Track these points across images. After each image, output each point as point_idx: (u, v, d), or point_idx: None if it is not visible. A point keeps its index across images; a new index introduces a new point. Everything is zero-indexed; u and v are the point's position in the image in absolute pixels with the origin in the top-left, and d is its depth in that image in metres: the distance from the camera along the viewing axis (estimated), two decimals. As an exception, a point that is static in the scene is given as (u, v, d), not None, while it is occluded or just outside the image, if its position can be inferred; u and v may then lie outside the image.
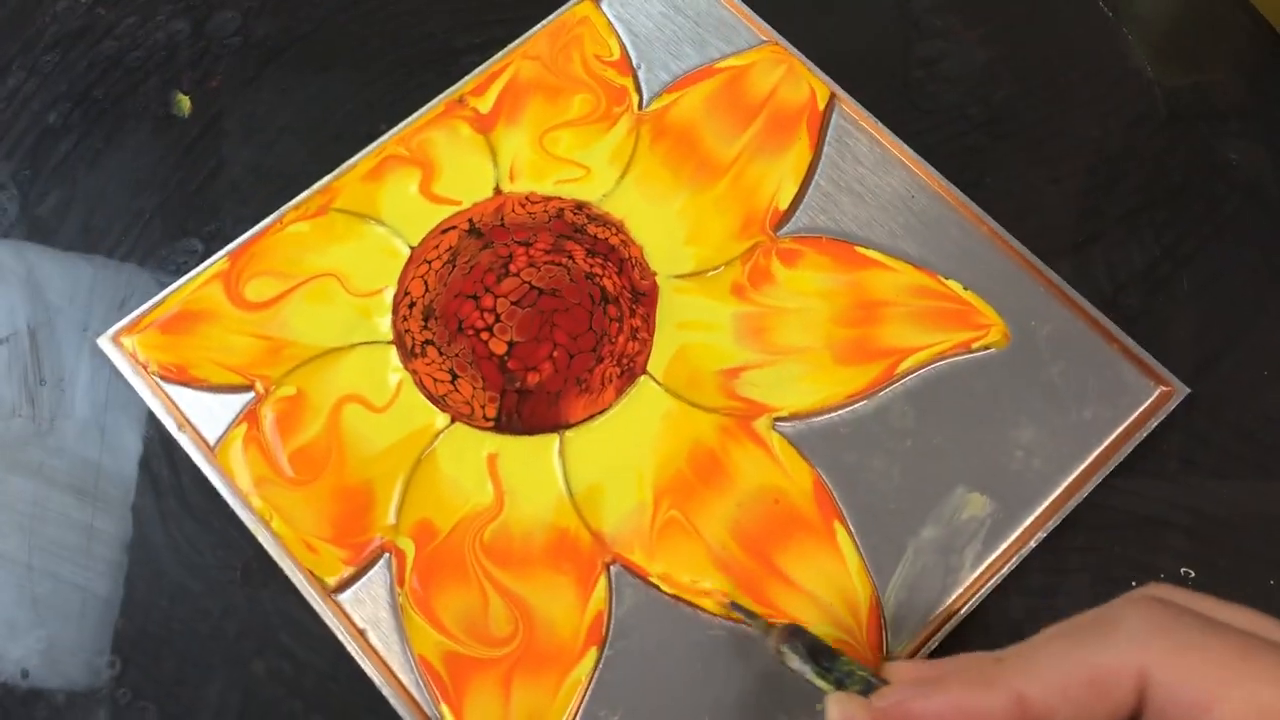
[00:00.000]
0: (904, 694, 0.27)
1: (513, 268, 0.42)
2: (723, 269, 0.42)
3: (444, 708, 0.36)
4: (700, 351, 0.41)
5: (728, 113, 0.44)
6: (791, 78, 0.45)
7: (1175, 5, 0.48)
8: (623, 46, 0.46)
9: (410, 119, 0.44)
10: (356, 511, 0.38)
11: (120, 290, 0.42)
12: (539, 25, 0.46)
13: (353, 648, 0.37)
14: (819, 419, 0.40)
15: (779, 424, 0.39)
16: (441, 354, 0.41)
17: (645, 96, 0.45)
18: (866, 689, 0.30)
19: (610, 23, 0.46)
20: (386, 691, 0.36)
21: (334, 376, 0.40)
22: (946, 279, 0.41)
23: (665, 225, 0.43)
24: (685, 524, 0.38)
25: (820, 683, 0.31)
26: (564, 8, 0.46)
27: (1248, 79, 0.46)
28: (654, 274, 0.42)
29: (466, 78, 0.45)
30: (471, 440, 0.39)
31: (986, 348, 0.41)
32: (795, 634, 0.33)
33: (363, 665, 0.36)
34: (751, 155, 0.44)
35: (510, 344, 0.41)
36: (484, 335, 0.41)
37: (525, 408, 0.40)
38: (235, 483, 0.39)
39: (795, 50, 0.45)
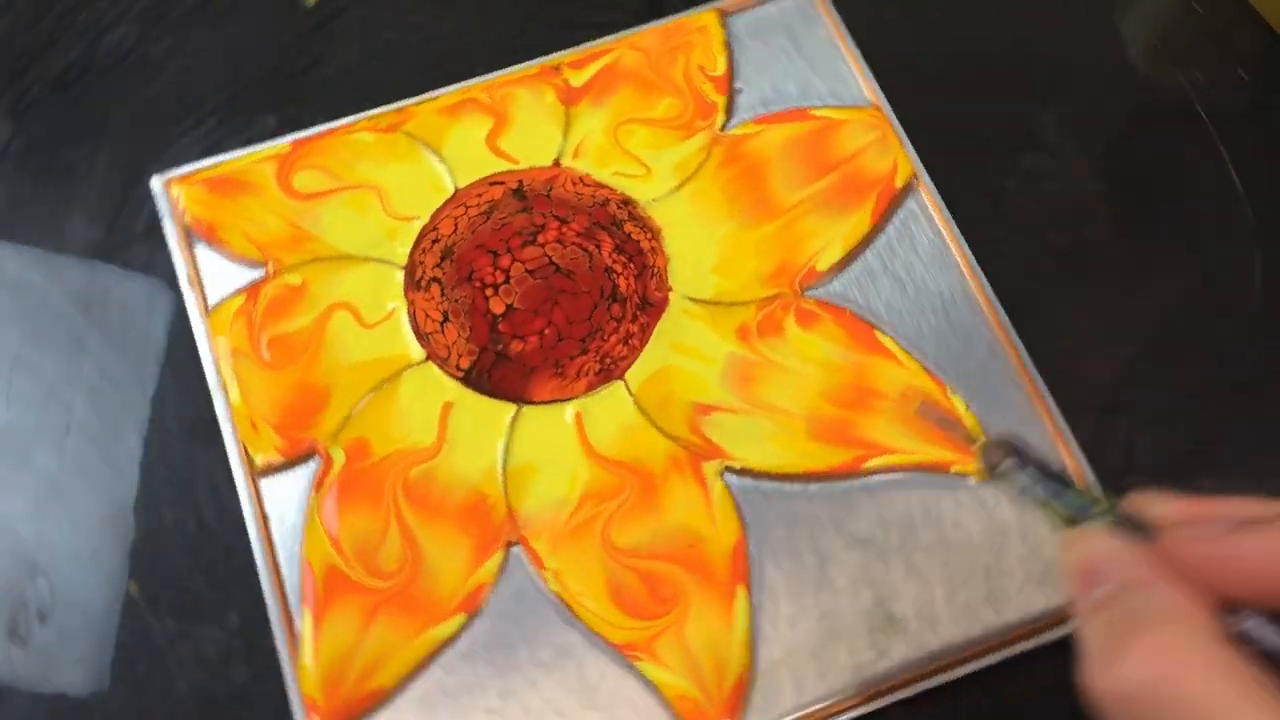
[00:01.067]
0: (1203, 533, 0.21)
1: (541, 238, 0.43)
2: (737, 307, 0.41)
3: (306, 611, 0.37)
4: (682, 377, 0.40)
5: (804, 160, 0.44)
6: (880, 146, 0.44)
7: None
8: (730, 65, 0.45)
9: (504, 70, 0.45)
10: (307, 410, 0.40)
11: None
12: (658, 21, 0.46)
13: (253, 528, 0.38)
14: (768, 483, 0.39)
15: (728, 474, 0.39)
16: (443, 294, 0.42)
17: (732, 119, 0.44)
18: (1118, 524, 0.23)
19: (726, 39, 0.46)
20: (263, 577, 0.37)
21: (339, 281, 0.42)
22: (952, 393, 0.40)
23: (700, 247, 0.42)
24: (597, 534, 0.38)
25: (1056, 508, 0.25)
26: (687, 12, 0.46)
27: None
28: (669, 289, 0.41)
29: (573, 49, 0.46)
30: (436, 383, 0.40)
31: (964, 475, 0.39)
32: (1017, 448, 0.26)
33: (255, 547, 0.38)
34: (811, 208, 0.43)
35: (509, 307, 0.41)
36: (488, 291, 0.42)
37: (497, 371, 0.40)
38: (214, 345, 0.41)
39: (896, 121, 0.44)
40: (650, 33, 0.46)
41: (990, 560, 0.38)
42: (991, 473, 0.26)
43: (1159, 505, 0.23)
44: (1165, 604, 0.20)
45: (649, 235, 0.42)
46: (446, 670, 0.36)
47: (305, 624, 0.37)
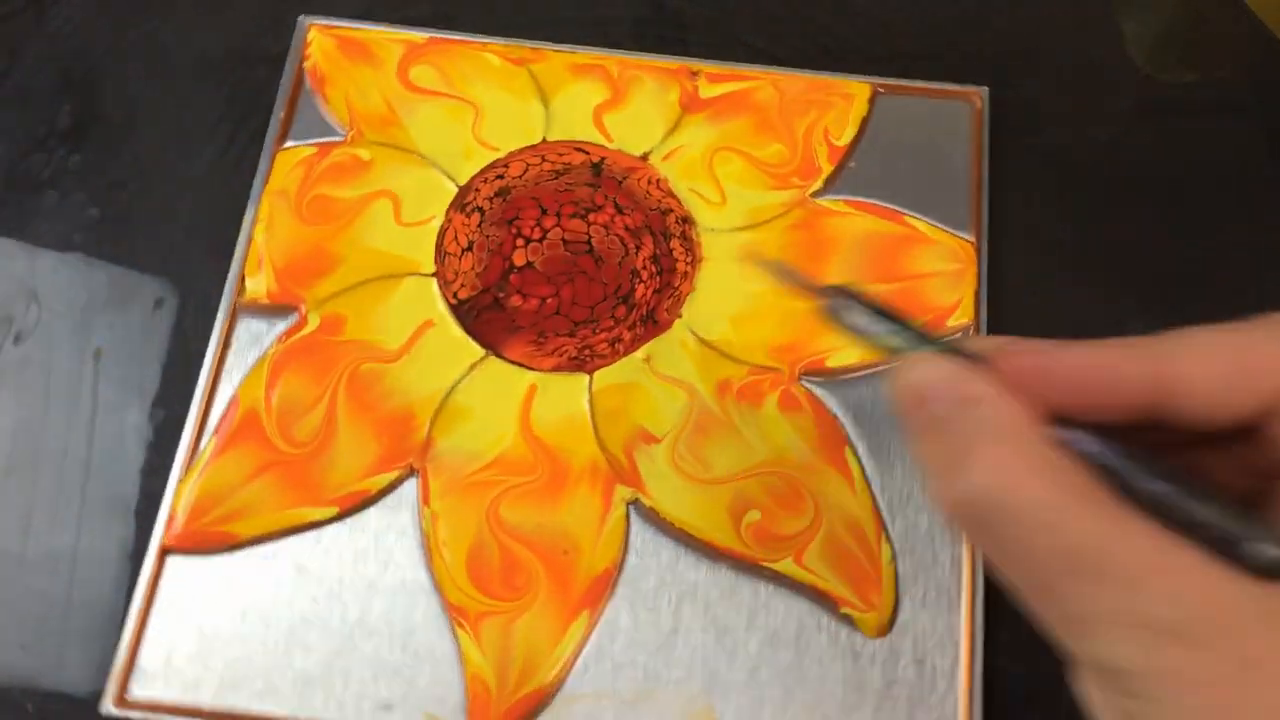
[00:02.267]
0: (1027, 345, 0.23)
1: (591, 217, 0.43)
2: (731, 361, 0.40)
3: (213, 439, 0.39)
4: (643, 401, 0.40)
5: (873, 259, 0.42)
6: (954, 280, 0.42)
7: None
8: (855, 140, 0.44)
9: (644, 55, 0.46)
10: (311, 271, 0.42)
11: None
12: (814, 72, 0.45)
13: (212, 348, 0.40)
14: (666, 533, 0.38)
15: (635, 506, 0.38)
16: (479, 226, 0.43)
17: (828, 190, 0.43)
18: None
19: (867, 115, 0.45)
20: (199, 391, 0.40)
21: (400, 173, 0.43)
22: (887, 536, 0.38)
23: (729, 291, 0.42)
24: (489, 498, 0.38)
25: (891, 343, 0.25)
26: (846, 75, 0.45)
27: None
28: (679, 316, 0.41)
29: (719, 62, 0.46)
30: (429, 300, 0.41)
31: (851, 621, 0.37)
32: (850, 292, 0.27)
33: (205, 362, 0.40)
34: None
35: (528, 264, 0.42)
36: (519, 241, 0.42)
37: (486, 315, 0.41)
38: (269, 177, 0.43)
39: (985, 266, 0.42)
40: (799, 79, 0.45)
41: (832, 712, 0.36)
42: (831, 313, 0.26)
43: (989, 341, 0.24)
44: (998, 417, 0.21)
45: (689, 259, 0.42)
46: (298, 550, 0.38)
47: (206, 448, 0.39)
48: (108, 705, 0.36)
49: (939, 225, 0.43)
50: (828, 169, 0.44)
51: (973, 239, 0.42)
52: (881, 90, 0.45)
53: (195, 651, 0.36)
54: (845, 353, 0.40)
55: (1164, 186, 0.45)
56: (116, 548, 0.39)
